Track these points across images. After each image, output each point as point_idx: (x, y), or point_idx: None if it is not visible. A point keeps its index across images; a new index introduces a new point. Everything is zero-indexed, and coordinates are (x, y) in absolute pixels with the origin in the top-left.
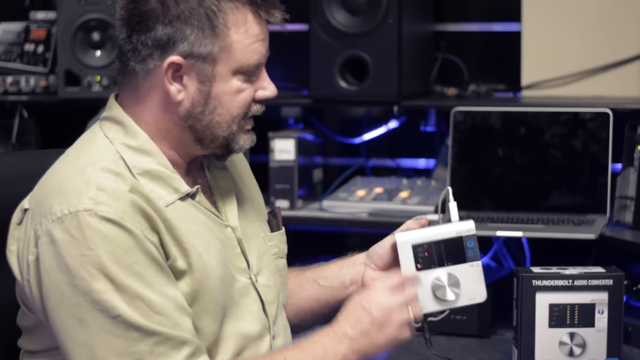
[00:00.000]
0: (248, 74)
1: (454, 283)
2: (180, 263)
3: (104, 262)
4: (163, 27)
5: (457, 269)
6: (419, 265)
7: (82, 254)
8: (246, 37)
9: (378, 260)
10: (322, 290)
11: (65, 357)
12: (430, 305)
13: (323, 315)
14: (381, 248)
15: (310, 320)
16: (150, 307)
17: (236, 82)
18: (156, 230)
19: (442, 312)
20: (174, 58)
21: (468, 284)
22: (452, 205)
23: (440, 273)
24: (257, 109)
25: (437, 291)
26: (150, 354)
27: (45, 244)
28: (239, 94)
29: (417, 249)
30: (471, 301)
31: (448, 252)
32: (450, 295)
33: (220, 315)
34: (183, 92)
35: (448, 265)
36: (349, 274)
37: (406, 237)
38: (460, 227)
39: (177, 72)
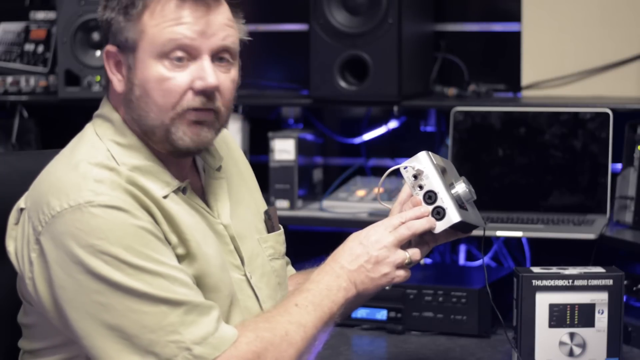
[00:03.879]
0: (173, 59)
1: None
2: (180, 250)
3: (115, 249)
4: (102, 17)
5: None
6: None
7: (91, 244)
8: (163, 20)
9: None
10: None
11: (88, 349)
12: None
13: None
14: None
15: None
16: (171, 282)
17: (159, 69)
18: (155, 220)
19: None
20: (108, 47)
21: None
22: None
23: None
24: (193, 102)
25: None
26: (181, 324)
27: (47, 239)
28: (163, 82)
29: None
30: (475, 222)
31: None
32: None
33: (225, 304)
34: (122, 81)
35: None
36: None
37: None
38: (415, 162)
39: (116, 61)
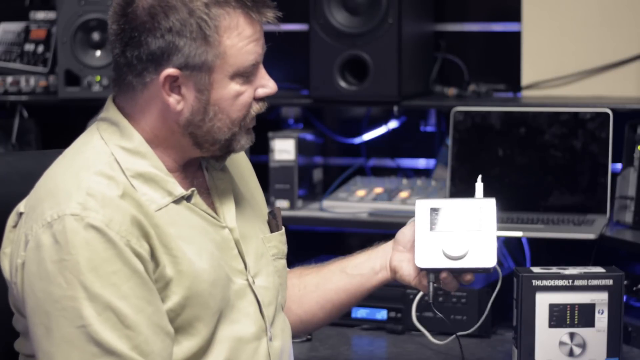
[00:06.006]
0: (246, 75)
1: (465, 243)
2: (170, 270)
3: (82, 269)
4: (155, 41)
5: (470, 234)
6: (433, 227)
7: (61, 259)
8: (239, 40)
9: (405, 240)
10: (350, 278)
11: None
12: (438, 262)
13: (350, 305)
14: (408, 228)
15: (335, 313)
16: (121, 319)
17: (234, 86)
18: (147, 238)
19: (450, 270)
20: (170, 71)
21: (479, 248)
22: (479, 185)
23: (453, 234)
24: (258, 107)
25: (445, 248)
26: None
27: (32, 248)
28: (238, 97)
29: (434, 211)
30: (479, 264)
31: (463, 218)
32: (458, 252)
33: (212, 320)
34: (182, 102)
35: (461, 229)
36: (378, 260)
37: (426, 201)
38: (482, 202)
39: (174, 83)
